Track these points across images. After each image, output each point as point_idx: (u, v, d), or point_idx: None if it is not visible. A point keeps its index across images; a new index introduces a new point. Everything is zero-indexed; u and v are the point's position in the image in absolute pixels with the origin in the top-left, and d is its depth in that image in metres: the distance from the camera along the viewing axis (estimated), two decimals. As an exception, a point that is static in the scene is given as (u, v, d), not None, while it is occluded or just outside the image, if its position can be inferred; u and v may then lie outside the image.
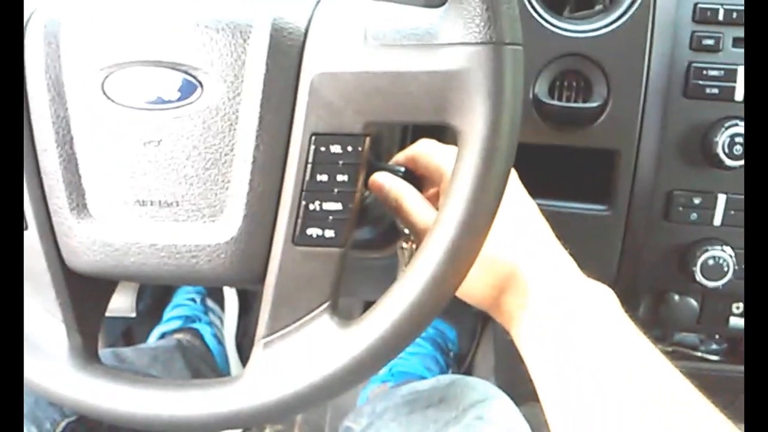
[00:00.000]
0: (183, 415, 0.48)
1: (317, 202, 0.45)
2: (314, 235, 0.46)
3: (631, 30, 0.64)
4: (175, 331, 1.11)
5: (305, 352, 0.47)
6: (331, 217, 0.45)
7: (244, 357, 1.23)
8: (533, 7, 0.65)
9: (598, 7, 0.68)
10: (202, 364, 1.06)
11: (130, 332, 1.19)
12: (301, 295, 0.47)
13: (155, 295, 1.21)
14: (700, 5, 0.64)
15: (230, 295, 1.25)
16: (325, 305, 0.47)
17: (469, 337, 1.28)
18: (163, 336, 1.11)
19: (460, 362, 1.26)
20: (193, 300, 1.18)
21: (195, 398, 0.48)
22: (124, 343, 1.19)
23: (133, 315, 1.05)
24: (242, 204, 0.45)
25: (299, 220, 0.45)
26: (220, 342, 1.17)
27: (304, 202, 0.45)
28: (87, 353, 0.51)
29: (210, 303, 1.21)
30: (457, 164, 0.43)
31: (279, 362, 0.47)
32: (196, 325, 1.13)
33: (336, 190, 0.45)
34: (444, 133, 0.70)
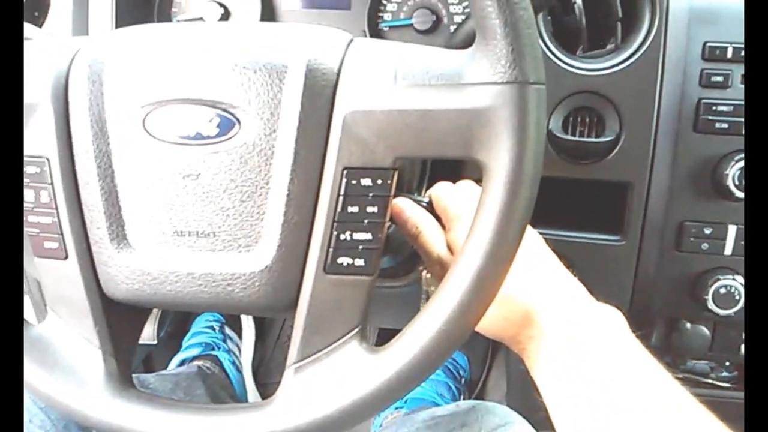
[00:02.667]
0: None
1: (348, 233, 0.47)
2: (345, 264, 0.48)
3: (643, 68, 0.67)
4: (195, 358, 1.13)
5: (335, 377, 0.48)
6: (361, 247, 0.48)
7: (260, 384, 1.25)
8: (547, 46, 0.68)
9: (609, 46, 0.71)
10: (222, 391, 1.07)
11: (150, 359, 1.21)
12: (332, 322, 0.49)
13: (175, 322, 1.23)
14: (709, 44, 0.66)
15: (248, 324, 1.27)
16: (355, 332, 0.49)
17: (480, 364, 1.29)
18: (183, 363, 1.12)
19: (471, 388, 1.27)
20: (212, 328, 1.20)
21: (228, 423, 0.49)
22: (144, 369, 1.21)
23: (155, 342, 1.07)
24: (277, 234, 0.48)
25: (331, 250, 0.47)
26: (238, 369, 1.18)
27: (335, 233, 0.47)
28: (122, 379, 0.53)
29: (228, 331, 1.23)
30: (482, 197, 0.45)
31: (309, 387, 0.49)
32: (215, 353, 1.15)
33: (366, 220, 0.47)
34: (461, 167, 0.73)
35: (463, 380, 1.24)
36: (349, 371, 0.48)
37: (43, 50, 0.52)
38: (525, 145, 0.44)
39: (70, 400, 0.52)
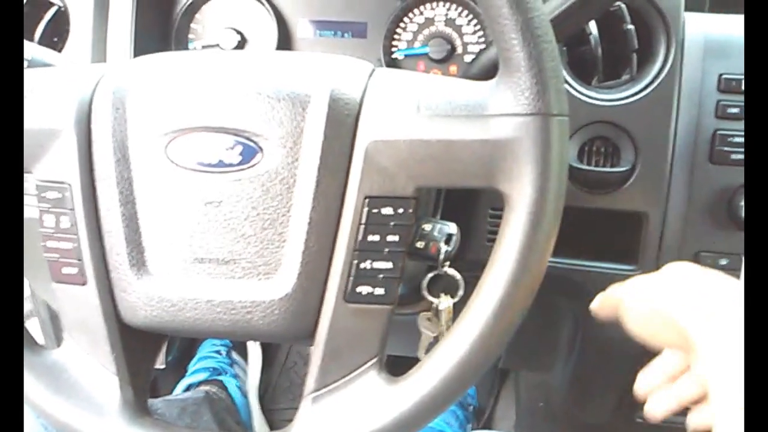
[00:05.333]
0: None
1: (369, 261, 0.47)
2: (365, 293, 0.48)
3: (658, 99, 0.67)
4: (201, 382, 1.12)
5: (353, 406, 0.48)
6: (381, 276, 0.48)
7: (266, 410, 1.24)
8: (564, 77, 0.68)
9: (625, 77, 0.71)
10: (228, 417, 1.06)
11: (155, 383, 1.20)
12: (351, 350, 0.49)
13: (182, 347, 1.22)
14: (724, 76, 0.67)
15: (254, 349, 1.26)
16: (374, 361, 0.49)
17: (488, 392, 1.28)
18: (189, 387, 1.11)
19: (479, 417, 1.26)
20: (219, 353, 1.19)
21: None
22: (150, 394, 1.20)
23: (163, 366, 1.07)
24: (297, 262, 0.48)
25: (351, 278, 0.47)
26: (244, 395, 1.17)
27: (356, 261, 0.47)
28: (138, 406, 0.52)
29: (235, 356, 1.22)
30: (504, 227, 0.45)
31: (327, 417, 0.49)
32: (221, 378, 1.14)
33: (386, 249, 0.47)
34: (477, 194, 0.73)
35: (471, 408, 1.23)
36: (368, 401, 0.48)
37: (66, 76, 0.52)
38: (548, 177, 0.44)
39: (85, 428, 0.51)
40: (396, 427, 0.47)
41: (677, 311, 0.47)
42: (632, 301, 0.53)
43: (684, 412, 0.84)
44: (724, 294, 0.46)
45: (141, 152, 0.49)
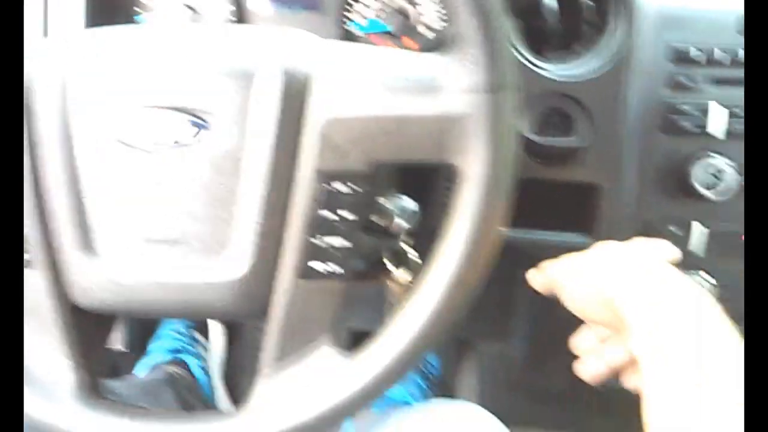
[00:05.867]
0: None
1: (322, 238, 0.47)
2: (318, 269, 0.47)
3: (612, 71, 0.67)
4: (162, 363, 1.11)
5: (309, 382, 0.48)
6: (335, 252, 0.47)
7: (230, 388, 1.23)
8: (518, 50, 0.68)
9: (578, 49, 0.71)
10: (191, 396, 1.06)
11: (116, 365, 1.18)
12: (306, 327, 0.48)
13: (140, 327, 1.21)
14: (676, 46, 0.67)
15: (215, 327, 1.25)
16: (329, 336, 0.49)
17: (451, 362, 1.29)
18: (150, 368, 1.10)
19: (442, 387, 1.27)
20: (179, 332, 1.18)
21: (201, 431, 0.49)
22: (110, 375, 1.18)
23: (121, 348, 1.05)
24: (249, 241, 0.47)
25: (305, 256, 0.47)
26: (207, 373, 1.17)
27: (309, 238, 0.47)
28: (92, 389, 0.52)
29: (196, 335, 1.21)
30: (457, 201, 0.46)
31: (283, 393, 0.49)
32: (182, 357, 1.13)
33: (340, 225, 0.47)
34: (434, 171, 0.73)
35: (433, 379, 1.25)
36: (323, 376, 0.48)
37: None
38: (498, 150, 0.44)
39: (39, 413, 0.50)
40: (352, 400, 0.47)
41: (611, 288, 0.49)
42: (568, 278, 0.54)
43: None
44: (653, 272, 0.48)
45: (85, 131, 0.48)
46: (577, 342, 0.61)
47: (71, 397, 0.51)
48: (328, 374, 0.48)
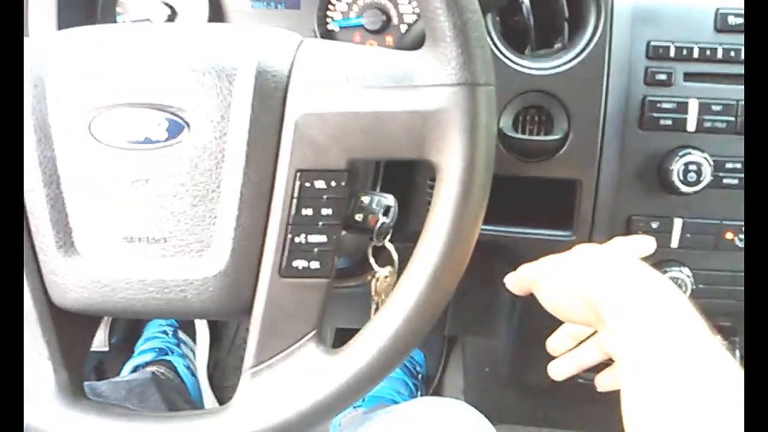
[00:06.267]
0: None
1: (303, 235, 0.47)
2: (300, 267, 0.48)
3: (589, 67, 0.68)
4: (148, 363, 1.11)
5: (293, 380, 0.48)
6: (316, 249, 0.48)
7: (216, 388, 1.23)
8: (496, 46, 0.69)
9: (557, 46, 0.72)
10: (177, 396, 1.06)
11: (101, 366, 1.18)
12: (288, 325, 0.49)
13: (126, 328, 1.20)
14: (653, 43, 0.68)
15: (202, 328, 1.25)
16: (311, 334, 0.49)
17: (437, 359, 1.30)
18: (136, 369, 1.10)
19: (428, 384, 1.28)
20: (165, 333, 1.18)
21: (184, 430, 0.49)
22: (96, 377, 1.18)
23: (107, 349, 1.05)
24: (229, 239, 0.47)
25: (285, 253, 0.47)
26: (193, 374, 1.17)
27: (290, 236, 0.47)
28: (74, 389, 0.52)
29: (182, 335, 1.21)
30: (435, 198, 0.46)
31: (267, 391, 0.49)
32: (169, 358, 1.13)
33: (320, 223, 0.47)
34: (414, 166, 0.73)
35: (420, 377, 1.25)
36: (307, 374, 0.48)
37: None
38: (476, 146, 0.44)
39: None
40: (336, 398, 0.48)
41: (590, 287, 0.49)
42: (546, 278, 0.55)
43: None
44: (633, 271, 0.48)
45: (63, 131, 0.48)
46: (552, 342, 0.63)
47: (53, 397, 0.50)
48: (312, 372, 0.48)
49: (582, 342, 0.60)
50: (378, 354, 0.47)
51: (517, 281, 0.60)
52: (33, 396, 0.51)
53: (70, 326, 0.52)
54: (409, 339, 0.47)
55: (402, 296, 0.47)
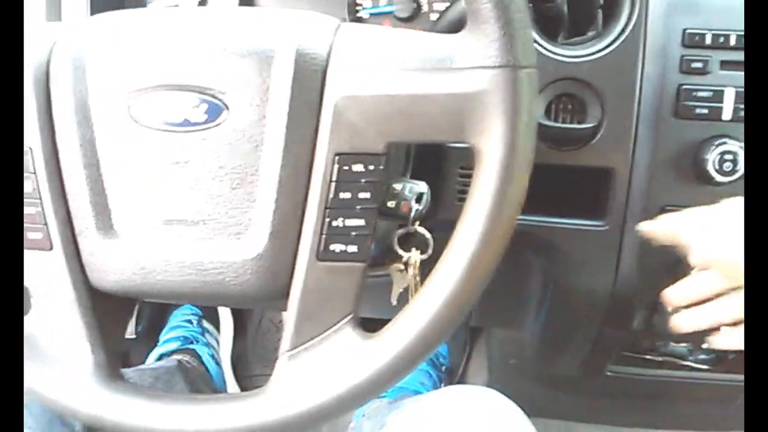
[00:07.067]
0: (210, 429, 0.49)
1: (340, 219, 0.47)
2: (337, 251, 0.48)
3: (623, 55, 0.67)
4: (173, 352, 1.11)
5: (329, 364, 0.48)
6: (353, 233, 0.47)
7: (239, 377, 1.24)
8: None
9: (590, 33, 0.71)
10: (203, 385, 1.06)
11: (127, 354, 1.19)
12: (325, 308, 0.49)
13: (152, 317, 1.21)
14: (688, 30, 0.67)
15: (226, 317, 1.26)
16: (348, 318, 0.49)
17: (460, 351, 1.30)
18: (161, 357, 1.11)
19: (451, 376, 1.28)
20: (190, 321, 1.19)
21: (224, 412, 0.49)
22: (122, 365, 1.19)
23: (134, 336, 1.06)
24: (268, 222, 0.47)
25: (323, 237, 0.47)
26: (218, 363, 1.17)
27: (327, 219, 0.47)
28: (111, 371, 0.52)
29: (206, 324, 1.21)
30: (475, 181, 0.46)
31: (303, 375, 0.49)
32: (193, 347, 1.13)
33: (358, 207, 0.47)
34: (446, 152, 0.73)
35: (443, 368, 1.25)
36: (344, 358, 0.48)
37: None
38: (518, 129, 0.44)
39: (58, 395, 0.51)
40: (372, 382, 0.48)
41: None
42: (701, 227, 0.55)
43: (678, 367, 0.86)
44: None
45: (103, 113, 0.48)
46: (683, 291, 0.59)
47: (91, 379, 0.51)
48: (349, 356, 0.48)
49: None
50: (415, 339, 0.47)
51: (659, 228, 0.59)
52: (71, 377, 0.51)
53: (108, 308, 0.52)
54: (446, 324, 0.47)
55: (440, 280, 0.46)
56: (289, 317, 0.49)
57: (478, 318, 1.05)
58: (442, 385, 1.21)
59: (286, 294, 0.49)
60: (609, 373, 0.90)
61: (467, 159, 0.70)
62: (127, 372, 0.93)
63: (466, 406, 0.62)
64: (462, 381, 1.26)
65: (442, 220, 0.67)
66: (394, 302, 0.59)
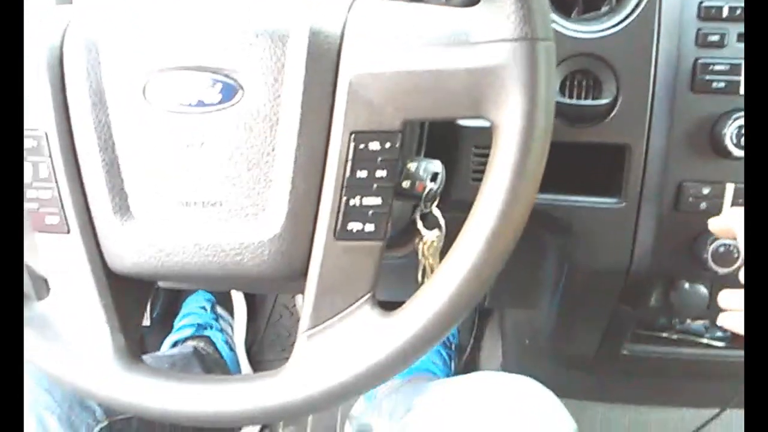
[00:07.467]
0: (231, 410, 0.49)
1: (357, 198, 0.47)
2: (355, 230, 0.47)
3: (638, 29, 0.66)
4: (188, 338, 1.12)
5: (348, 342, 0.48)
6: (371, 212, 0.47)
7: (253, 362, 1.24)
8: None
9: (604, 8, 0.70)
10: (217, 370, 1.07)
11: (141, 341, 1.20)
12: (343, 287, 0.48)
13: (166, 304, 1.22)
14: (704, 4, 0.66)
15: (239, 303, 1.26)
16: (366, 297, 0.49)
17: (468, 330, 1.30)
18: (176, 344, 1.11)
19: (461, 355, 1.28)
20: (204, 308, 1.19)
21: (244, 392, 0.49)
22: (139, 350, 1.20)
23: (148, 323, 1.06)
24: (284, 202, 0.47)
25: (340, 216, 0.47)
26: (232, 348, 1.18)
27: (344, 198, 0.47)
28: (132, 354, 0.52)
29: (220, 310, 1.22)
30: (492, 157, 0.45)
31: (323, 354, 0.49)
32: (208, 333, 1.14)
33: (375, 185, 0.47)
34: (459, 131, 0.73)
35: (452, 347, 1.25)
36: (363, 336, 0.48)
37: (33, 20, 0.50)
38: (536, 103, 0.44)
39: (80, 378, 0.51)
40: (392, 360, 0.47)
41: None
42: None
43: (695, 344, 0.86)
44: None
45: (118, 95, 0.48)
46: (731, 296, 0.57)
47: (112, 362, 0.51)
48: (367, 334, 0.48)
49: None
50: (434, 316, 0.47)
51: (720, 224, 0.60)
52: (92, 361, 0.51)
53: (126, 291, 0.52)
54: (465, 301, 0.47)
55: (459, 257, 0.46)
56: (308, 297, 0.49)
57: (492, 300, 1.04)
58: (452, 363, 1.21)
59: (303, 274, 0.49)
60: (624, 352, 0.89)
61: (482, 137, 0.70)
62: (144, 358, 0.93)
63: (496, 391, 0.62)
64: (473, 361, 1.27)
65: (456, 200, 0.66)
66: (420, 281, 0.59)
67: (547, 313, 0.94)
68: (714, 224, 0.61)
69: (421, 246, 0.62)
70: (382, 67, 0.45)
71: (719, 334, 0.88)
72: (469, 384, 0.64)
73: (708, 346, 0.88)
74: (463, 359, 1.27)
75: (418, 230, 0.62)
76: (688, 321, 0.87)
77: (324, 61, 0.46)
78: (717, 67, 0.66)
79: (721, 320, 0.56)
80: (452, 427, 0.59)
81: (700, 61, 0.67)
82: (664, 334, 0.89)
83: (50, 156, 0.49)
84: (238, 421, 0.50)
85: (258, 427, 1.24)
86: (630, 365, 0.93)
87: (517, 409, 0.59)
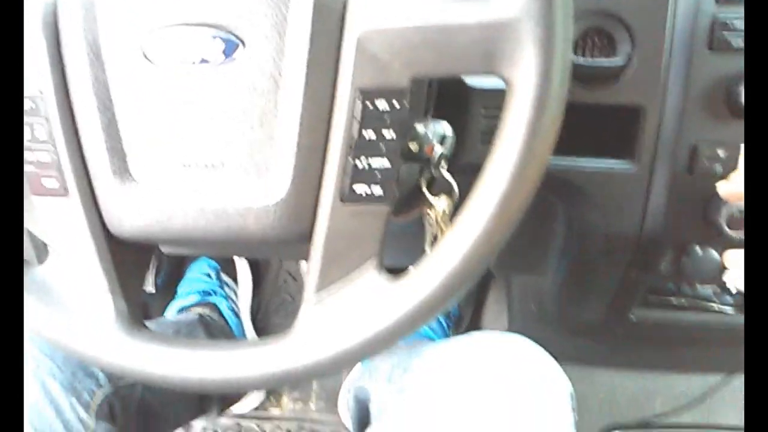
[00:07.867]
0: (235, 376, 0.48)
1: (364, 159, 0.45)
2: (362, 193, 0.46)
3: None
4: (193, 305, 1.11)
5: (355, 307, 0.47)
6: (378, 174, 0.46)
7: (258, 329, 1.24)
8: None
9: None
10: (222, 337, 1.07)
11: (146, 307, 1.20)
12: (350, 251, 0.47)
13: (169, 270, 1.21)
14: (724, -42, 0.64)
15: (243, 269, 1.26)
16: (373, 261, 0.47)
17: (466, 299, 1.29)
18: (181, 310, 1.11)
19: (459, 323, 1.28)
20: (208, 275, 1.19)
21: (250, 357, 0.48)
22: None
23: (153, 290, 1.05)
24: (289, 163, 0.46)
25: (347, 178, 0.46)
26: (237, 315, 1.17)
27: (351, 159, 0.45)
28: (134, 319, 0.51)
29: (224, 277, 1.21)
30: (505, 114, 0.43)
31: (329, 318, 0.48)
32: (212, 299, 1.14)
33: (383, 146, 0.45)
34: (468, 94, 0.71)
35: (451, 315, 1.25)
36: (370, 300, 0.47)
37: None
38: (552, 59, 0.42)
39: (82, 344, 0.50)
40: (399, 325, 0.46)
41: None
42: None
43: (704, 310, 0.84)
44: None
45: (116, 54, 0.46)
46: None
47: (115, 327, 0.50)
48: (374, 298, 0.47)
49: None
50: (443, 281, 0.45)
51: (730, 188, 0.58)
52: (94, 326, 0.50)
53: (127, 256, 0.51)
54: (476, 265, 0.46)
55: (469, 221, 0.45)
56: (313, 261, 0.47)
57: (499, 266, 1.03)
58: (451, 332, 1.20)
59: (308, 238, 0.47)
60: (632, 318, 0.88)
61: (491, 98, 0.68)
62: (148, 324, 0.93)
63: (492, 351, 0.61)
64: (475, 328, 1.26)
65: (465, 163, 0.65)
66: (428, 249, 0.58)
67: (555, 279, 0.93)
68: (723, 188, 0.59)
69: (433, 214, 0.61)
70: (391, 23, 0.43)
71: (729, 299, 0.87)
72: (465, 345, 0.63)
73: (717, 311, 0.87)
74: (462, 328, 1.27)
75: (424, 196, 0.61)
76: (698, 286, 0.86)
77: (330, 16, 0.44)
78: (737, 24, 0.64)
79: (726, 278, 0.56)
80: (447, 389, 0.58)
81: (718, 17, 0.64)
82: (673, 300, 0.88)
83: (47, 117, 0.47)
84: (243, 386, 0.49)
85: (263, 392, 1.24)
86: (637, 331, 0.92)
87: (512, 370, 0.58)
